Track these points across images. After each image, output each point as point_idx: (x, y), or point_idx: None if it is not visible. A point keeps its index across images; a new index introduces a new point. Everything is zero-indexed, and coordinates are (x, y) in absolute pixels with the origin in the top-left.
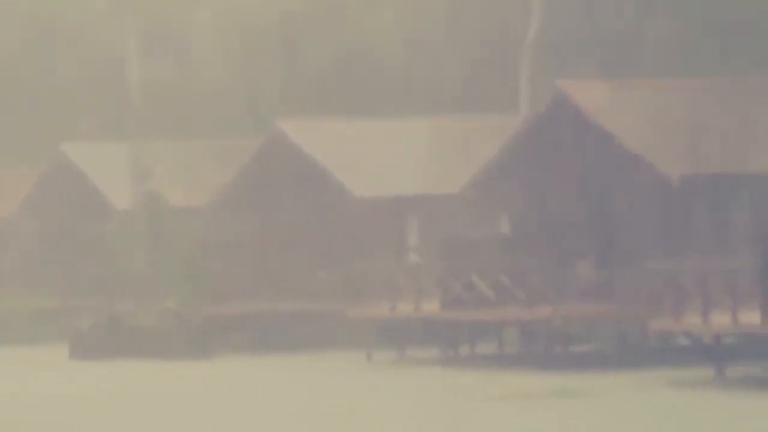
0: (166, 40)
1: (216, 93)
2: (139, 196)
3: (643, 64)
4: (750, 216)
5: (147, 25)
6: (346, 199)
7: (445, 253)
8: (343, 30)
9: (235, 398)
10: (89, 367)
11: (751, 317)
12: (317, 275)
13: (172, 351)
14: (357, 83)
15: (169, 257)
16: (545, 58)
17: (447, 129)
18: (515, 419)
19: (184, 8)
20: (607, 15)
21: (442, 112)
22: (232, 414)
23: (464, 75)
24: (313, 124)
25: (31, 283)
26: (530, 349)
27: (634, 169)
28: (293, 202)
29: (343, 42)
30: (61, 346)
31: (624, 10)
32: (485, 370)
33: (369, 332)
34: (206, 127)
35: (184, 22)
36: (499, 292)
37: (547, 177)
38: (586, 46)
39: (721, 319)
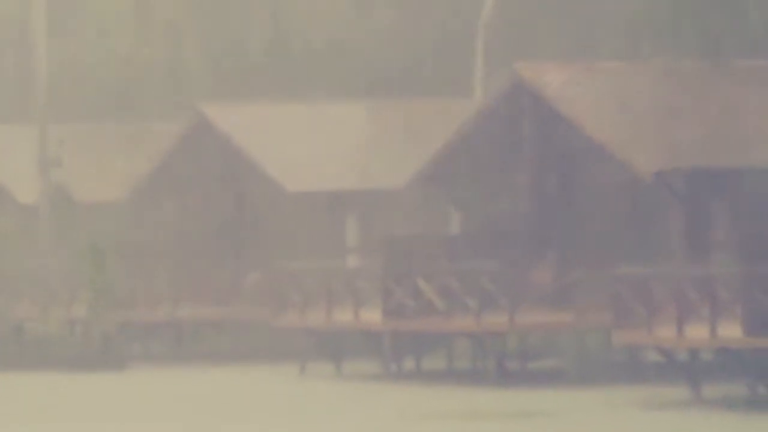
0: (80, 17)
1: (134, 73)
2: (45, 190)
3: (606, 45)
4: (732, 217)
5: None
6: (278, 195)
7: (387, 255)
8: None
9: (147, 415)
10: None
11: (731, 330)
12: (245, 279)
13: (80, 362)
14: (292, 65)
15: (78, 258)
16: (501, 40)
17: (391, 114)
18: None
19: None
20: None
21: (387, 96)
22: None
23: (413, 56)
24: (241, 109)
25: None
26: (483, 364)
27: (601, 162)
28: (219, 197)
29: (278, 19)
30: None
31: None
32: (432, 386)
33: (302, 343)
34: (123, 110)
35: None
36: (447, 300)
37: (503, 170)
38: (545, 27)
39: (697, 332)
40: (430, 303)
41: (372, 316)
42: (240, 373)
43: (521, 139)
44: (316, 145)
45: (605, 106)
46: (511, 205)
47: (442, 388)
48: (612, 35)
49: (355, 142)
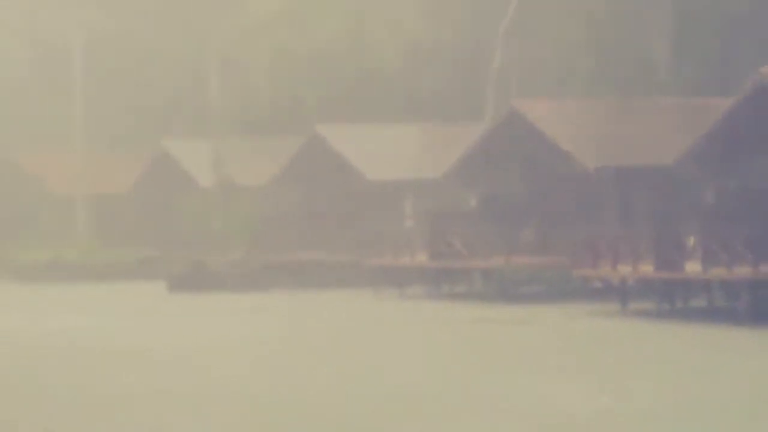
0: (234, 66)
1: (267, 104)
2: (217, 178)
3: (581, 87)
4: (647, 197)
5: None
6: (363, 182)
7: (431, 221)
8: (360, 55)
9: (283, 312)
10: (183, 297)
11: (646, 268)
12: (342, 235)
13: (240, 286)
14: (370, 96)
15: (238, 221)
16: (506, 81)
17: (434, 132)
18: (481, 336)
19: (245, 40)
20: (559, 47)
21: (430, 120)
22: (279, 318)
23: (448, 92)
24: (340, 128)
25: (138, 240)
26: (490, 289)
27: (565, 162)
28: (326, 183)
29: (361, 64)
30: (160, 284)
31: (567, 44)
32: (460, 303)
33: (378, 276)
34: (264, 127)
35: (246, 52)
36: (468, 249)
37: (504, 168)
38: (541, 71)
39: (625, 269)
40: (458, 251)
41: (422, 258)
42: (338, 294)
43: (516, 147)
44: (386, 150)
45: (569, 126)
46: (509, 190)
47: (465, 304)
48: (582, 79)
49: (412, 148)
